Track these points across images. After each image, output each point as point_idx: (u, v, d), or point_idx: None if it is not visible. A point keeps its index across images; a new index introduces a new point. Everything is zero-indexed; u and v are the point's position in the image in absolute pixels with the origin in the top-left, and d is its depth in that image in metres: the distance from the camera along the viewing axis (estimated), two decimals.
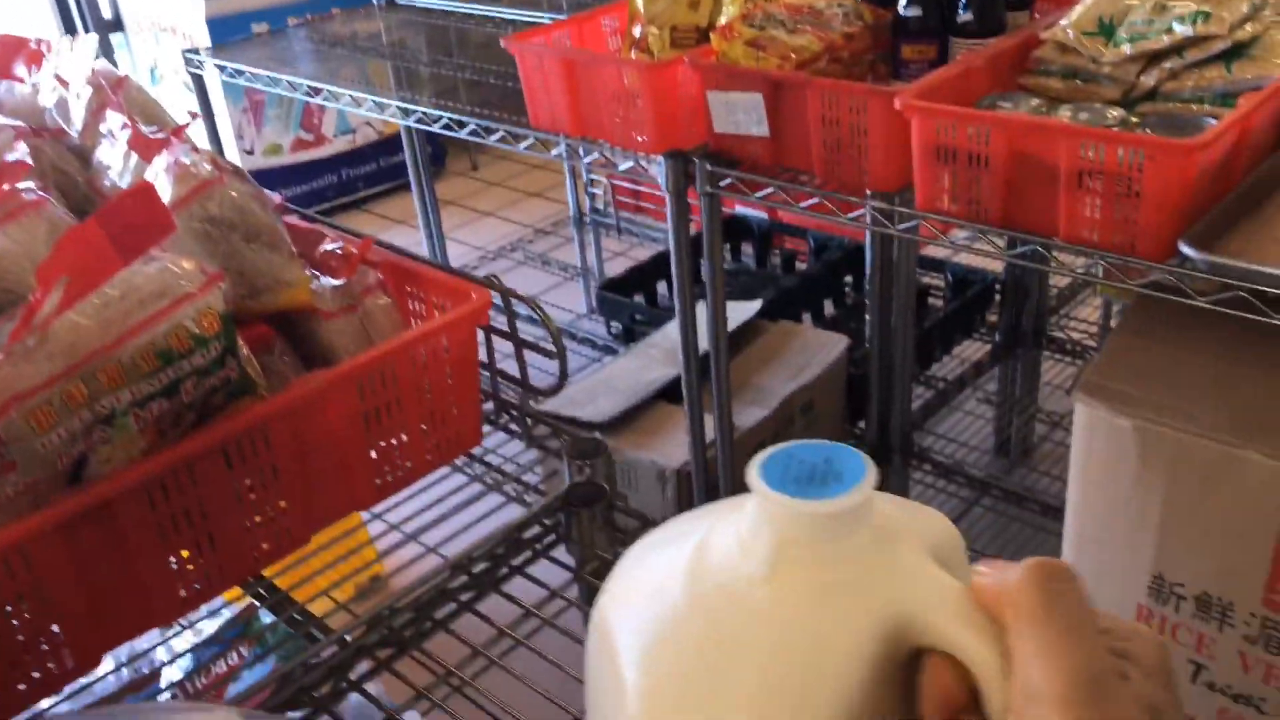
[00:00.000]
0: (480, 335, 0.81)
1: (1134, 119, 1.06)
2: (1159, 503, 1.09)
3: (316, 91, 1.79)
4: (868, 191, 1.18)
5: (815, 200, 1.20)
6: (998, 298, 2.01)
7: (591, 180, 2.76)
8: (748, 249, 2.38)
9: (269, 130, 3.31)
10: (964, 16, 1.23)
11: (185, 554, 0.66)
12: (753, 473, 0.34)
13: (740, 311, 1.87)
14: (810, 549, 0.33)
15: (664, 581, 0.36)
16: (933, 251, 2.22)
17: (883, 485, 0.34)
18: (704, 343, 1.50)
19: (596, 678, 0.37)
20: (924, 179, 1.08)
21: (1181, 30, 1.07)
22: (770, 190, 1.23)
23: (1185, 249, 0.93)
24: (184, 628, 0.79)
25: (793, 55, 1.22)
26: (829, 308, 2.16)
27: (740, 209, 2.38)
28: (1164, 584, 1.13)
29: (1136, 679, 0.33)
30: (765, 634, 0.33)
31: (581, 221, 2.75)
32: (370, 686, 0.66)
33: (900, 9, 1.27)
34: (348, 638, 0.64)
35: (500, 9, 2.10)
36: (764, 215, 2.35)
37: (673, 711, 0.33)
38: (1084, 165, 0.96)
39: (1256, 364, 1.07)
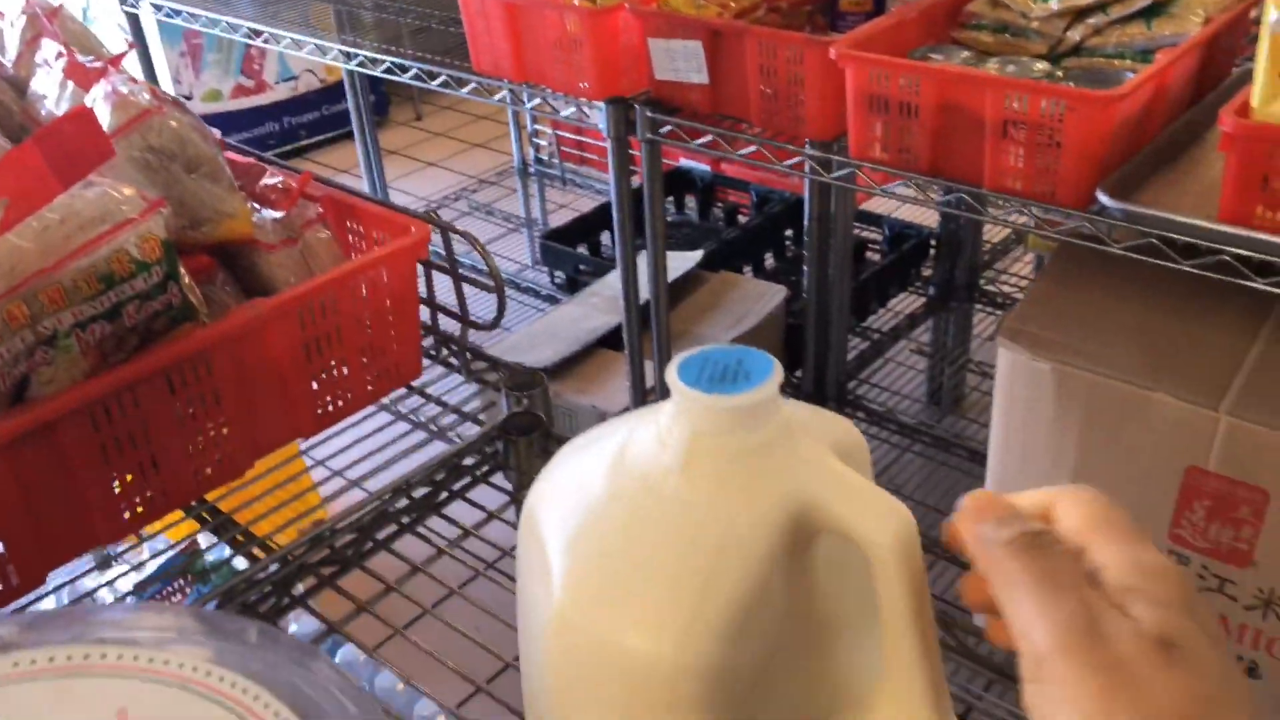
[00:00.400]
0: (420, 272, 0.82)
1: (1059, 73, 1.10)
2: (1074, 442, 1.14)
3: (257, 34, 1.76)
4: (806, 141, 1.21)
5: (753, 148, 1.22)
6: (933, 252, 2.06)
7: (536, 130, 2.76)
8: (690, 202, 2.40)
9: (207, 75, 3.25)
10: None
11: (129, 476, 0.67)
12: (671, 372, 0.37)
13: (682, 261, 1.90)
14: (721, 440, 0.36)
15: (588, 475, 0.39)
16: (871, 206, 2.26)
17: None
18: (645, 292, 1.52)
19: (526, 566, 0.40)
20: (857, 128, 1.11)
21: None
22: (709, 138, 1.25)
23: (1102, 198, 0.97)
24: (121, 550, 0.80)
25: (732, 4, 1.24)
26: (769, 260, 2.19)
27: (684, 162, 2.40)
28: None
29: (1142, 613, 0.33)
30: (678, 517, 0.36)
31: (526, 172, 2.75)
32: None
33: None
34: (290, 555, 0.66)
35: None
36: (706, 168, 2.37)
37: (594, 590, 0.36)
38: (1009, 115, 0.99)
39: (1170, 309, 1.12)
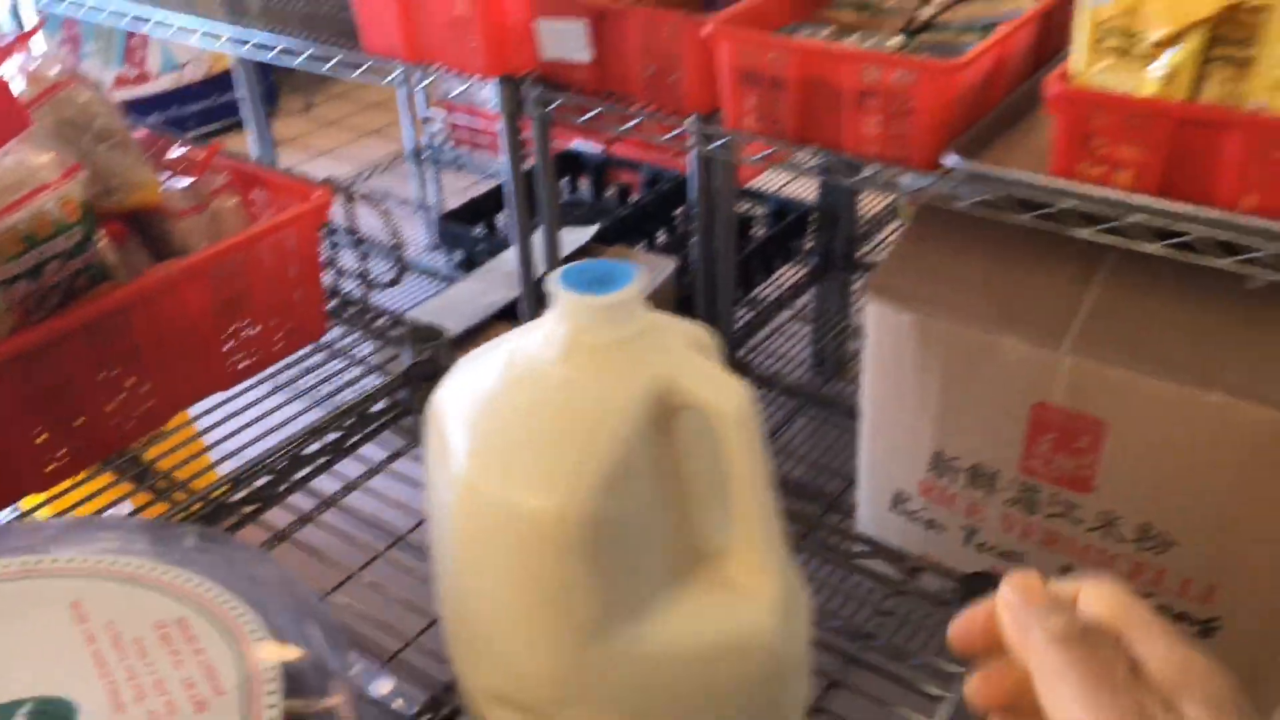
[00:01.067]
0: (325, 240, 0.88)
1: (912, 46, 1.20)
2: (936, 388, 1.25)
3: (143, 21, 1.77)
4: (689, 115, 1.29)
5: (637, 121, 1.30)
6: (813, 226, 2.16)
7: (428, 117, 2.79)
8: (584, 184, 2.47)
9: (88, 65, 3.18)
10: None
11: (53, 430, 0.71)
12: (553, 279, 0.44)
13: (577, 236, 1.97)
14: (595, 333, 0.43)
15: (483, 374, 0.46)
16: (756, 184, 2.36)
17: None
18: (542, 265, 1.59)
19: (432, 456, 0.47)
20: (731, 100, 1.19)
21: None
22: (597, 111, 1.32)
23: (949, 160, 1.07)
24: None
25: None
26: (661, 236, 2.28)
27: (576, 144, 2.46)
28: (943, 459, 1.30)
29: (1190, 713, 0.31)
30: (561, 398, 0.43)
31: (419, 158, 2.78)
32: None
33: None
34: (210, 495, 0.71)
35: None
36: (598, 151, 2.44)
37: (492, 460, 0.43)
38: (866, 86, 1.09)
39: (1016, 260, 1.24)
